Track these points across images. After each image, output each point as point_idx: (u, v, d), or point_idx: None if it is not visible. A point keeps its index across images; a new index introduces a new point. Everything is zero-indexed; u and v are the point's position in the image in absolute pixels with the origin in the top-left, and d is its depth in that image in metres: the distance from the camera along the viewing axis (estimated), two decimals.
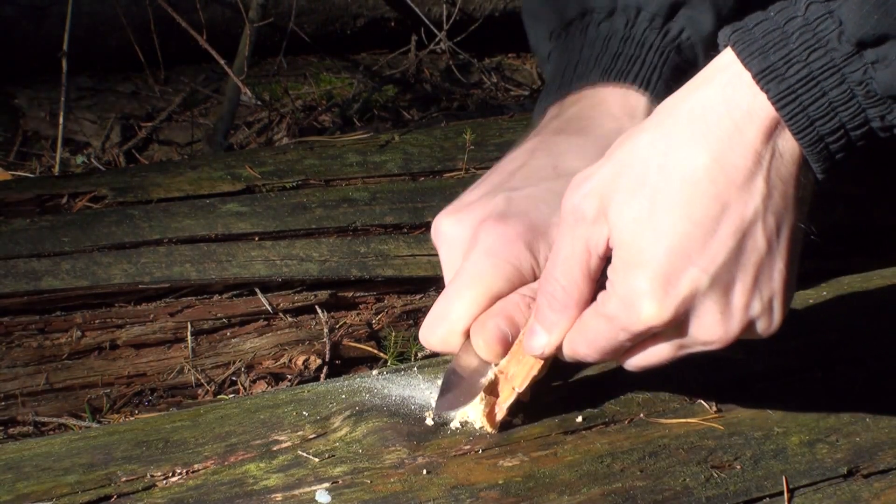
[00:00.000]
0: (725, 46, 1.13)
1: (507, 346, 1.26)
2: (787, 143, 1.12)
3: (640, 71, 1.45)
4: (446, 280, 1.35)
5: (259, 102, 2.70)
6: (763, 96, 1.11)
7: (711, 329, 1.16)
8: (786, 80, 1.10)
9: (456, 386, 1.28)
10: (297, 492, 1.19)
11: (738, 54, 1.11)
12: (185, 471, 1.21)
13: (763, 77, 1.10)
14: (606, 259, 1.18)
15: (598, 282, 1.20)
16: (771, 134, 1.12)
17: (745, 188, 1.12)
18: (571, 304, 1.20)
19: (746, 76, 1.11)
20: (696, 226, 1.12)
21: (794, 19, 1.10)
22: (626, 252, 1.15)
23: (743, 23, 1.13)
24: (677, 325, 1.16)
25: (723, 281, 1.14)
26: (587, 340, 1.21)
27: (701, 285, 1.13)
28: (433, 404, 1.31)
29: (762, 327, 1.17)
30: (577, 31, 1.52)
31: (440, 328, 1.30)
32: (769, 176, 1.12)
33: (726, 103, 1.12)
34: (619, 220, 1.15)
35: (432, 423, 1.29)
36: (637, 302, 1.15)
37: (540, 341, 1.23)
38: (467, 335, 1.29)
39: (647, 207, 1.13)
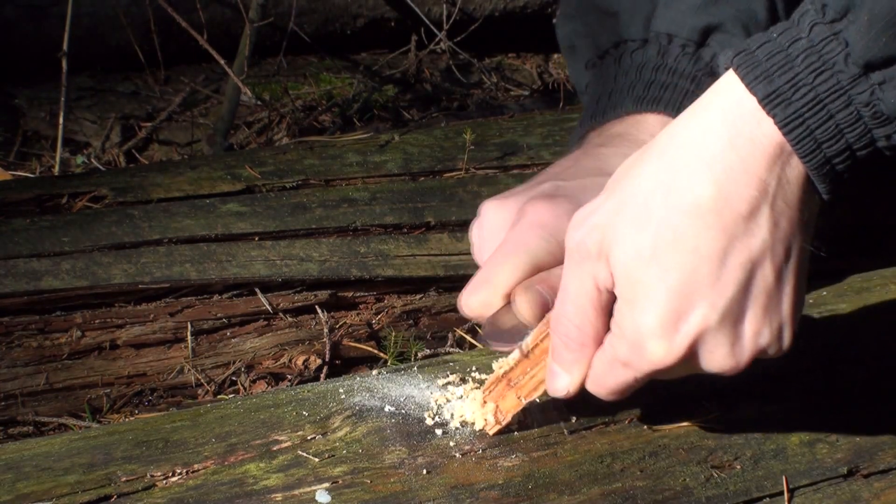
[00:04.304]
0: (727, 69, 1.11)
1: (546, 311, 1.25)
2: (793, 169, 1.10)
3: (672, 97, 1.43)
4: (479, 261, 1.34)
5: (259, 102, 2.70)
6: (768, 122, 1.09)
7: (721, 361, 1.14)
8: (792, 105, 1.08)
9: (497, 330, 1.27)
10: (297, 492, 1.19)
11: (742, 78, 1.09)
12: (185, 471, 1.21)
13: (769, 102, 1.08)
14: (615, 293, 1.16)
15: (610, 315, 1.18)
16: (776, 160, 1.10)
17: (751, 219, 1.10)
18: (588, 342, 1.18)
19: (749, 101, 1.09)
20: (703, 260, 1.10)
21: (798, 41, 1.08)
22: (631, 290, 1.13)
23: (745, 45, 1.10)
24: (687, 359, 1.14)
25: (732, 315, 1.12)
26: (603, 386, 1.19)
27: (710, 321, 1.11)
28: (433, 404, 1.31)
29: (772, 352, 1.15)
30: (612, 61, 1.51)
31: (483, 291, 1.28)
32: (775, 203, 1.10)
33: (729, 130, 1.10)
34: (622, 257, 1.13)
35: (432, 422, 1.29)
36: (645, 343, 1.13)
37: (562, 382, 1.21)
38: (506, 301, 1.28)
39: (650, 243, 1.11)
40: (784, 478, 1.28)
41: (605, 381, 1.19)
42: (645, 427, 1.32)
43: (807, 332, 1.50)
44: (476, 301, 1.29)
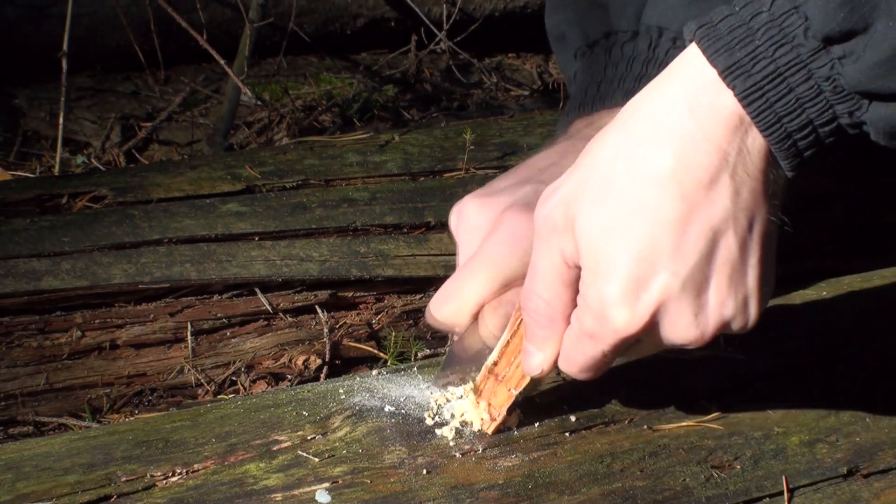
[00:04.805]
0: (690, 42, 1.11)
1: None
2: (754, 140, 1.10)
3: None
4: (459, 263, 1.35)
5: (259, 102, 2.70)
6: (727, 93, 1.09)
7: (686, 331, 1.13)
8: (752, 77, 1.08)
9: (457, 364, 1.28)
10: (297, 492, 1.19)
11: (704, 51, 1.10)
12: (185, 471, 1.21)
13: (729, 74, 1.09)
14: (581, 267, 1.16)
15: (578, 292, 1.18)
16: (736, 131, 1.10)
17: (711, 187, 1.10)
18: (558, 318, 1.18)
19: (709, 73, 1.10)
20: (665, 228, 1.10)
21: (759, 15, 1.09)
22: (594, 260, 1.13)
23: (708, 18, 1.11)
24: (651, 329, 1.14)
25: (695, 283, 1.12)
26: (573, 362, 1.19)
27: (672, 289, 1.11)
28: (433, 404, 1.31)
29: (737, 326, 1.14)
30: (602, 51, 1.52)
31: (449, 305, 1.29)
32: (736, 172, 1.10)
33: (689, 101, 1.10)
34: (585, 227, 1.13)
35: (432, 422, 1.29)
36: (609, 311, 1.13)
37: (536, 361, 1.22)
38: (474, 317, 1.28)
39: (612, 212, 1.11)
40: (784, 478, 1.28)
41: (575, 356, 1.18)
42: (645, 427, 1.32)
43: (806, 331, 1.51)
44: (442, 314, 1.30)
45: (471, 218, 1.35)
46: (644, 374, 1.27)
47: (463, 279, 1.29)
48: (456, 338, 1.31)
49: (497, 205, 1.34)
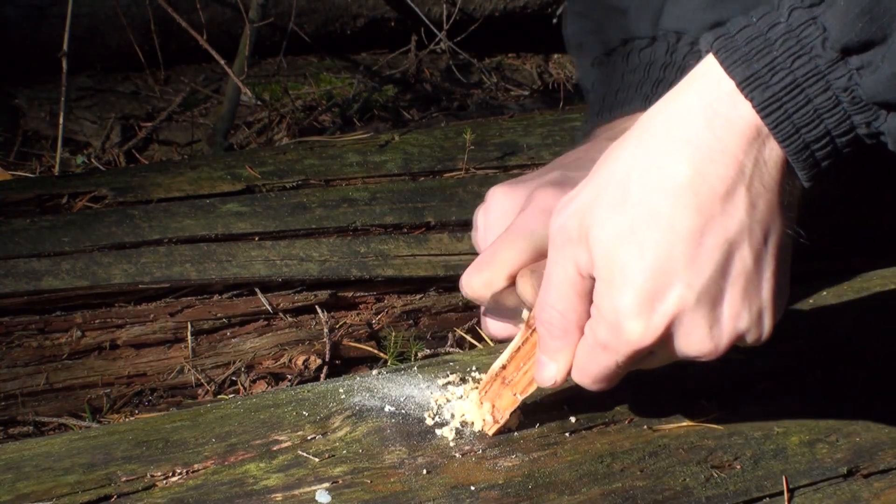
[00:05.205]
0: (707, 53, 1.11)
1: None
2: (770, 151, 1.10)
3: None
4: (480, 246, 1.35)
5: (259, 102, 2.70)
6: (745, 104, 1.09)
7: (700, 344, 1.13)
8: (770, 88, 1.08)
9: (499, 308, 1.28)
10: (297, 492, 1.19)
11: (722, 62, 1.09)
12: (185, 471, 1.21)
13: (747, 85, 1.08)
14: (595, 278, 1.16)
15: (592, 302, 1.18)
16: (753, 142, 1.09)
17: (727, 199, 1.10)
18: (571, 329, 1.18)
19: (727, 84, 1.09)
20: (680, 239, 1.10)
21: (777, 25, 1.08)
22: (609, 271, 1.12)
23: (725, 29, 1.11)
24: (665, 341, 1.13)
25: (710, 295, 1.11)
26: (586, 373, 1.19)
27: (687, 301, 1.11)
28: (433, 404, 1.31)
29: (751, 338, 1.14)
30: (620, 58, 1.51)
31: (486, 271, 1.29)
32: (752, 185, 1.10)
33: (706, 112, 1.10)
34: (600, 237, 1.12)
35: (432, 422, 1.29)
36: (623, 322, 1.12)
37: (549, 372, 1.21)
38: (509, 283, 1.28)
39: (627, 222, 1.11)
40: (784, 478, 1.28)
41: (588, 368, 1.18)
42: (645, 427, 1.32)
43: (807, 331, 1.51)
44: (478, 281, 1.29)
45: (499, 204, 1.36)
46: (644, 374, 1.27)
47: (497, 248, 1.29)
48: (490, 302, 1.30)
49: (525, 189, 1.34)
